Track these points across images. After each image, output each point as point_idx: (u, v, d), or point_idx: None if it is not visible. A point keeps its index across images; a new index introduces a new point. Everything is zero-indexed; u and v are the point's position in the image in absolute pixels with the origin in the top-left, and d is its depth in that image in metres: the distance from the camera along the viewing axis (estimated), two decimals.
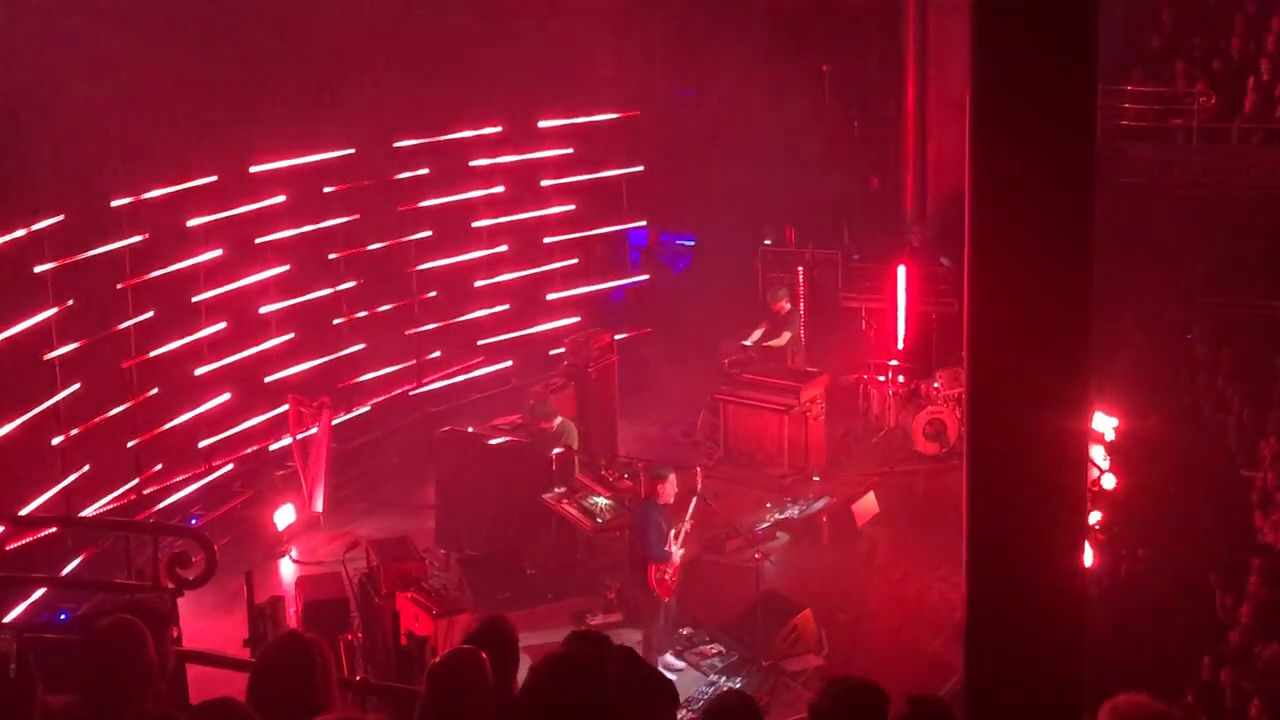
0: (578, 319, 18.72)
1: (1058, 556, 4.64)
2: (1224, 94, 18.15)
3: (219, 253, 15.47)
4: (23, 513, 13.05)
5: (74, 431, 13.93)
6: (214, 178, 15.28)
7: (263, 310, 16.13)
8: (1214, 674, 11.22)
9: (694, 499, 12.93)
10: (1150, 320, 17.37)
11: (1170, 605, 12.69)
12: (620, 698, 5.03)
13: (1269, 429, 15.18)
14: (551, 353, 17.94)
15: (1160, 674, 11.01)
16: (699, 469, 13.67)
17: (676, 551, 12.36)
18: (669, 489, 12.49)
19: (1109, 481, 14.49)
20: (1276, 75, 17.95)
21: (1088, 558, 10.43)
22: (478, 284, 18.40)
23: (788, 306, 17.47)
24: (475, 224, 18.30)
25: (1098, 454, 14.69)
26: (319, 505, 15.33)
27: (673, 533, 12.39)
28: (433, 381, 18.09)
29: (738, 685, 12.24)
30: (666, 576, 12.32)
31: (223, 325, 15.66)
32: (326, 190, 16.58)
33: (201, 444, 15.53)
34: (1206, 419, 16.17)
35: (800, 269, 18.78)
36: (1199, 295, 17.99)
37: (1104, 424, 15.01)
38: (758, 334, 17.37)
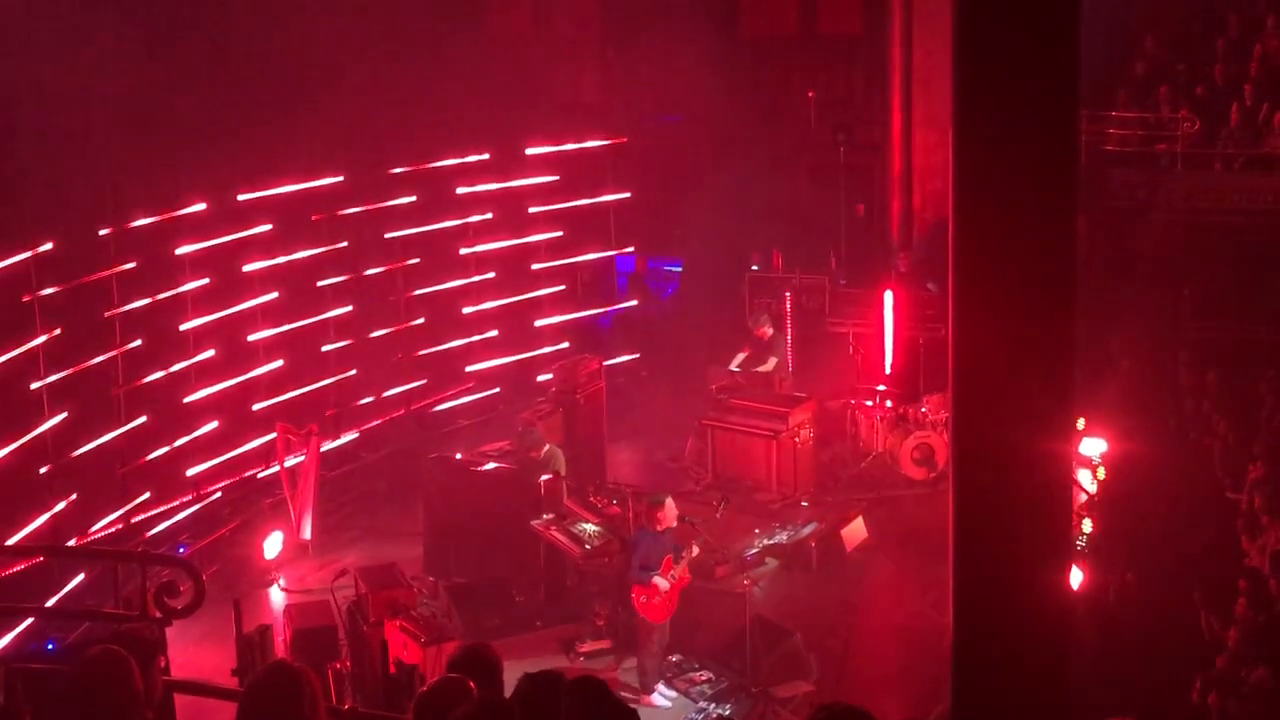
0: (565, 345, 18.75)
1: (1043, 579, 4.65)
2: (1207, 119, 18.25)
3: (207, 280, 15.48)
4: (10, 542, 13.01)
5: (62, 460, 13.91)
6: (202, 206, 15.32)
7: (251, 338, 16.13)
8: (1202, 697, 11.22)
9: (699, 538, 12.98)
10: (1136, 344, 17.42)
11: (1158, 629, 12.69)
12: None
13: (1255, 452, 15.21)
14: (539, 379, 17.96)
15: (1148, 697, 11.01)
16: (719, 505, 13.62)
17: (661, 581, 12.35)
18: (667, 515, 12.55)
19: (1096, 506, 14.50)
20: (1259, 100, 18.05)
21: (1075, 581, 10.42)
22: (466, 310, 18.43)
23: (770, 331, 17.51)
24: (463, 251, 18.35)
25: (1086, 478, 14.72)
26: (307, 533, 15.30)
27: (674, 558, 12.45)
28: (421, 408, 18.09)
29: (727, 712, 12.23)
30: (652, 600, 12.33)
31: (211, 353, 15.66)
32: (315, 218, 16.61)
33: (190, 472, 15.50)
34: (1192, 442, 16.20)
35: (787, 294, 18.81)
36: (1184, 319, 18.05)
37: (1091, 447, 15.04)
38: (740, 357, 17.42)
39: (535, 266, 19.03)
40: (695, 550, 12.79)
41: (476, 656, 5.78)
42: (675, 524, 12.67)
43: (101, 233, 14.36)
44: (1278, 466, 14.57)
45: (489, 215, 18.42)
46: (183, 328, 15.39)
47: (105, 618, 8.71)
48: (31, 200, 13.70)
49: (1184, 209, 18.17)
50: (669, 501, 12.71)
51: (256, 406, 16.18)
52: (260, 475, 16.10)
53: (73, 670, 5.40)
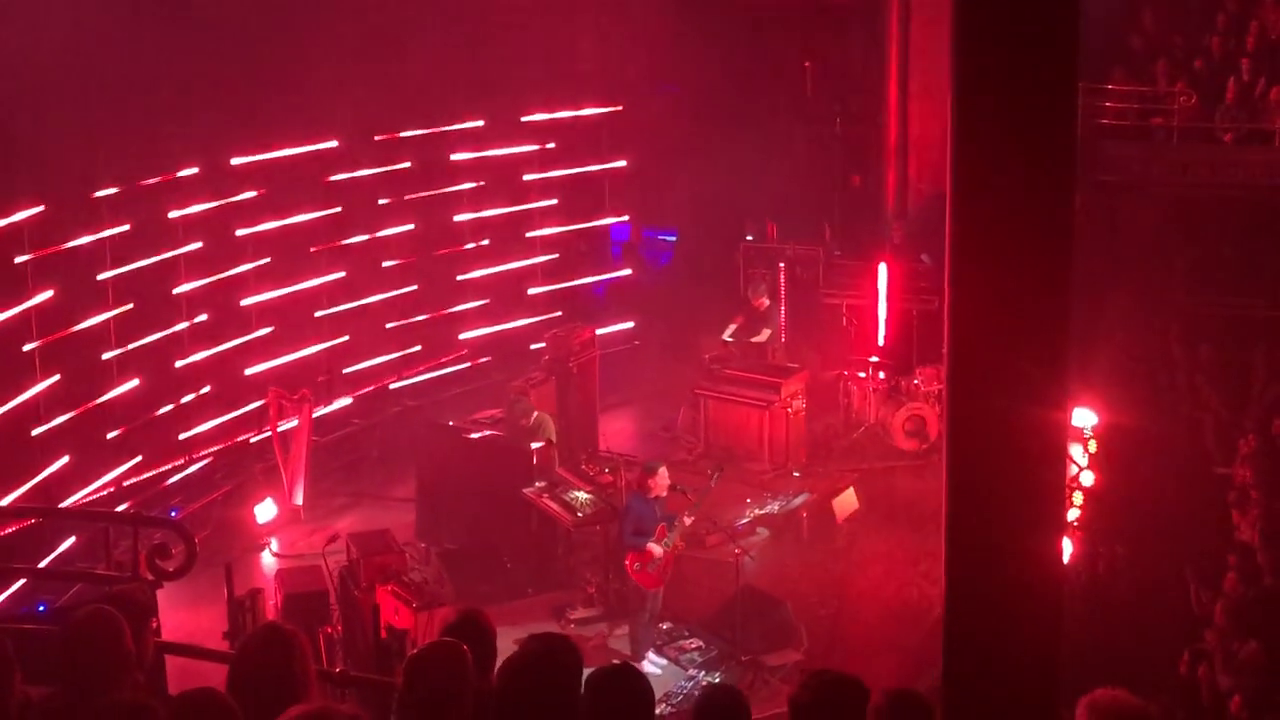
0: (559, 314, 18.73)
1: (1036, 551, 4.66)
2: (1204, 93, 18.22)
3: (200, 245, 15.45)
4: (2, 503, 13.01)
5: (54, 423, 13.89)
6: (195, 169, 15.27)
7: (244, 303, 16.11)
8: (1191, 670, 11.27)
9: (692, 506, 12.99)
10: (1129, 318, 17.44)
11: (1148, 602, 12.74)
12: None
13: (1246, 426, 15.25)
14: (532, 347, 17.94)
15: (1138, 670, 11.05)
16: (713, 475, 13.68)
17: (656, 547, 12.40)
18: (659, 483, 12.57)
19: (1087, 478, 14.54)
20: (1256, 75, 18.02)
21: (1066, 554, 10.44)
22: (459, 278, 18.40)
23: (767, 302, 17.51)
24: (457, 218, 18.31)
25: (1077, 451, 14.75)
26: (299, 498, 15.30)
27: (668, 526, 12.48)
28: (414, 375, 18.08)
29: (717, 680, 12.27)
30: (646, 568, 12.37)
31: (204, 317, 15.64)
32: (308, 184, 16.57)
33: (182, 436, 15.50)
34: (1184, 416, 16.24)
35: (781, 265, 18.78)
36: (1178, 292, 18.06)
37: (1083, 421, 15.07)
38: (733, 327, 17.42)
39: (529, 234, 18.99)
40: (689, 520, 12.83)
41: (471, 622, 5.78)
42: (666, 492, 12.71)
43: (95, 195, 14.32)
44: (1268, 440, 14.61)
45: (483, 183, 18.38)
46: (175, 291, 15.37)
47: (97, 579, 8.74)
48: (24, 162, 13.64)
49: (1179, 183, 18.14)
50: (662, 469, 12.73)
51: (249, 371, 16.16)
52: (253, 440, 16.10)
53: (64, 631, 5.40)
